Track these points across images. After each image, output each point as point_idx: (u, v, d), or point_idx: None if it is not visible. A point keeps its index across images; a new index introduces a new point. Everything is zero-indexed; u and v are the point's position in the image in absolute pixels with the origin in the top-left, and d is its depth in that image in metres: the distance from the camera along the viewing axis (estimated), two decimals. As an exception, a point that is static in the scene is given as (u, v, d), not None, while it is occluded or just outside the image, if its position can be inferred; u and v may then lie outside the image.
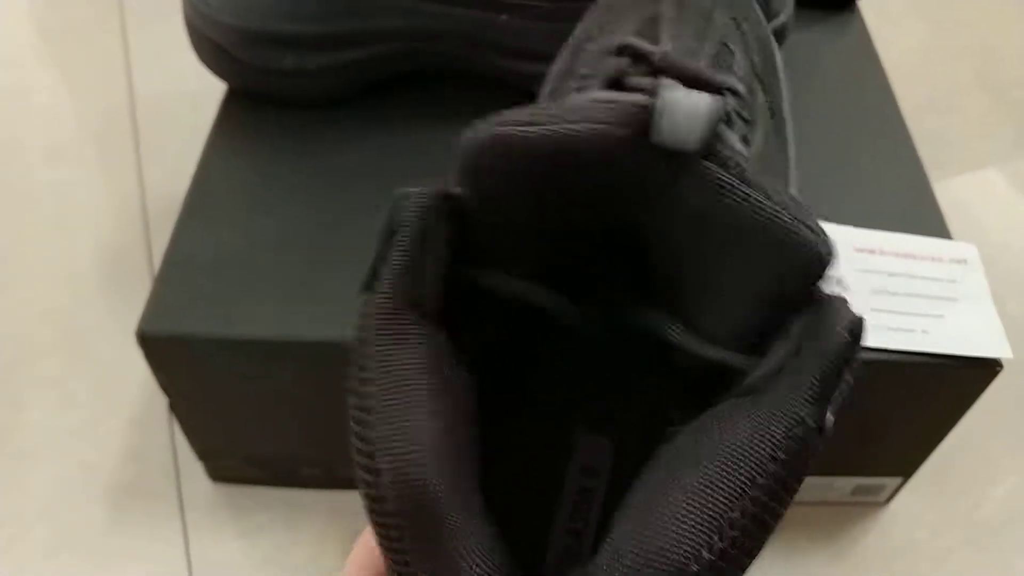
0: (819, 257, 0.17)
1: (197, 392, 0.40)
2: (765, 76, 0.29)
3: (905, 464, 0.44)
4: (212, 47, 0.44)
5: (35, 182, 0.64)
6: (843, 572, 0.45)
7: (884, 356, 0.35)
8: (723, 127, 0.23)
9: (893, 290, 0.36)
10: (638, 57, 0.25)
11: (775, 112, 0.29)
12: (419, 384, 0.17)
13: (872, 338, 0.34)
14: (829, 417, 0.16)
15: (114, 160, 0.66)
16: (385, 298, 0.17)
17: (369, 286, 0.17)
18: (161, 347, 0.36)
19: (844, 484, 0.45)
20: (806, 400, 0.16)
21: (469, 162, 0.18)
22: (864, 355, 0.21)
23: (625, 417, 0.23)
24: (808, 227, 0.17)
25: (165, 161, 0.65)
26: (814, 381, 0.16)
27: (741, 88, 0.26)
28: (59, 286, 0.57)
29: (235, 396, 0.40)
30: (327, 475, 0.46)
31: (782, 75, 0.31)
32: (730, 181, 0.17)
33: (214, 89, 0.51)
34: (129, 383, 0.52)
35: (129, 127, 0.69)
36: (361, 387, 0.17)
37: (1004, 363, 0.36)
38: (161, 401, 0.51)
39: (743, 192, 0.17)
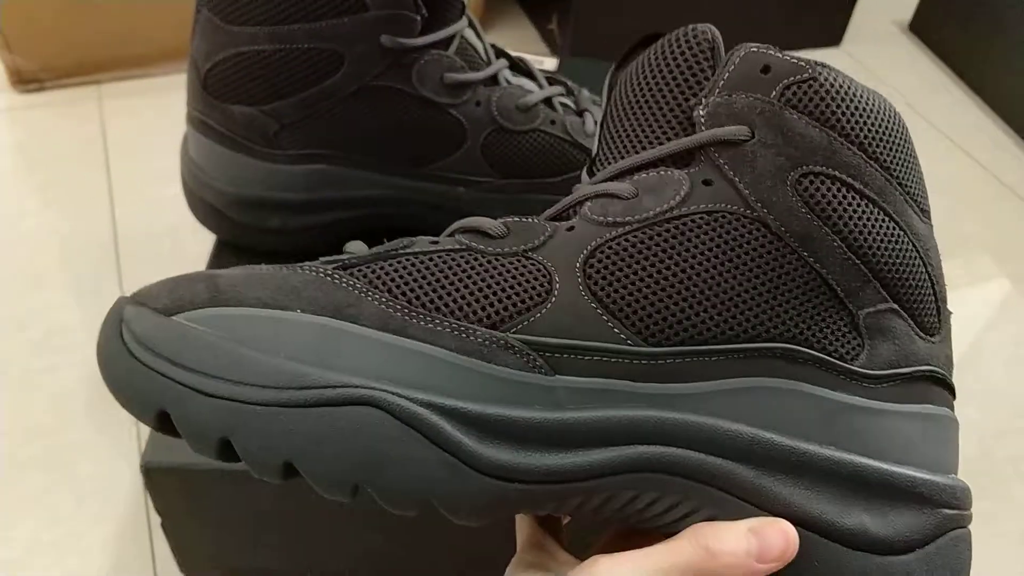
0: None
1: (189, 513, 0.45)
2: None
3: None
4: (205, 206, 0.51)
5: (20, 306, 0.69)
6: None
7: None
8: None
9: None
10: None
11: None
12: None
13: None
14: None
15: (98, 285, 0.71)
16: None
17: None
18: (162, 477, 0.41)
19: None
20: None
21: None
22: None
23: None
24: None
25: (145, 287, 0.71)
26: None
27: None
28: (43, 406, 0.62)
29: (223, 516, 0.45)
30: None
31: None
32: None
33: (193, 221, 0.57)
34: (110, 498, 0.57)
35: (112, 256, 0.74)
36: None
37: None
38: (141, 515, 0.55)
39: None
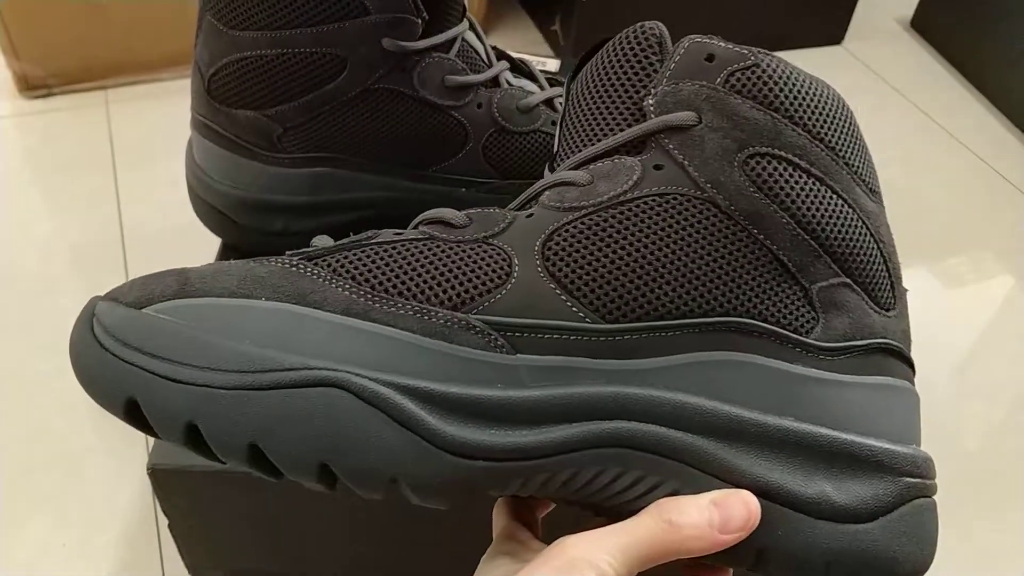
0: None
1: (195, 515, 0.45)
2: None
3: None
4: (210, 209, 0.52)
5: (29, 309, 0.70)
6: None
7: None
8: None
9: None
10: None
11: None
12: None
13: None
14: None
15: (106, 287, 0.72)
16: None
17: None
18: (168, 478, 0.42)
19: None
20: None
21: None
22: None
23: None
24: None
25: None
26: None
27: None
28: (52, 408, 0.63)
29: (226, 518, 0.45)
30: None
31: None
32: None
33: (200, 224, 0.58)
34: (119, 500, 0.57)
35: (120, 259, 0.75)
36: None
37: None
38: (150, 517, 0.56)
39: None
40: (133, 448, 0.60)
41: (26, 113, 0.92)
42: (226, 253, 0.54)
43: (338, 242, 0.28)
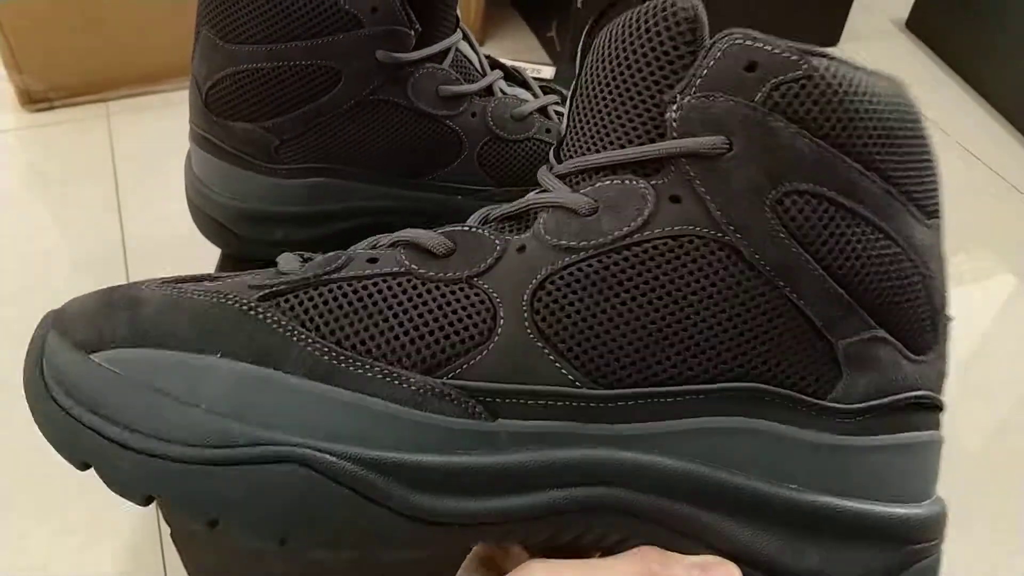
0: None
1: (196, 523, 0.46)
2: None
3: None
4: (210, 221, 0.52)
5: (32, 321, 0.70)
6: None
7: None
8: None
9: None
10: None
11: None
12: None
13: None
14: None
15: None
16: None
17: None
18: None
19: None
20: None
21: None
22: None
23: None
24: None
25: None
26: None
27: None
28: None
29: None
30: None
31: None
32: None
33: (201, 235, 0.59)
34: (122, 508, 0.58)
35: (122, 270, 0.76)
36: None
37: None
38: (153, 526, 0.56)
39: None
40: (137, 457, 0.61)
41: (28, 126, 0.93)
42: (226, 263, 0.55)
43: (304, 268, 0.25)
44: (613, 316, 0.23)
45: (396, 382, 0.23)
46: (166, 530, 0.47)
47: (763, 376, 0.24)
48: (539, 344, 0.23)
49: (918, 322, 0.25)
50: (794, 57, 0.23)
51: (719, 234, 0.23)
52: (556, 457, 0.23)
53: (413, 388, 0.23)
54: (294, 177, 0.48)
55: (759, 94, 0.23)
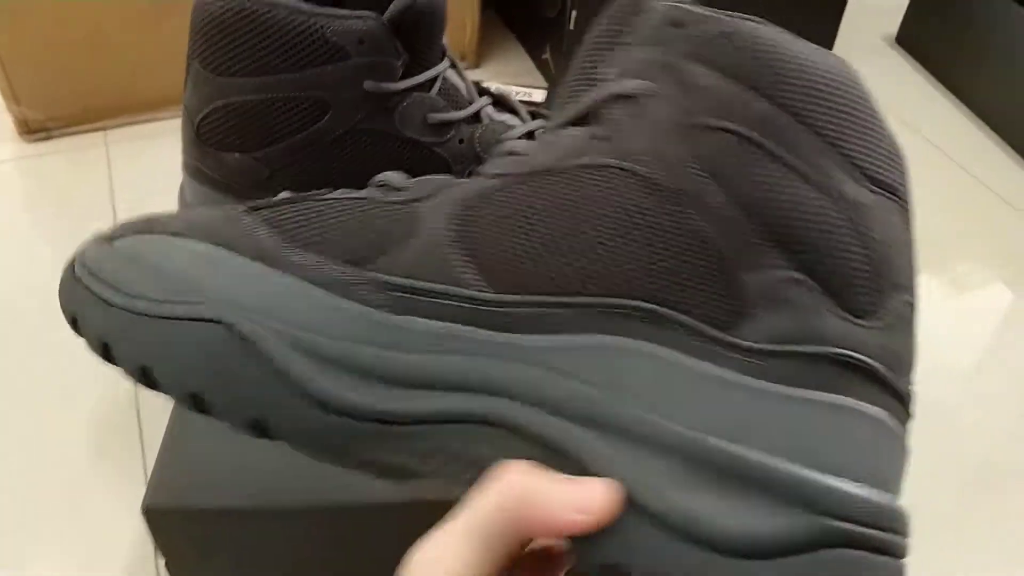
0: None
1: (190, 554, 0.46)
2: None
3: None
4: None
5: (31, 352, 0.71)
6: None
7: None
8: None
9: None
10: None
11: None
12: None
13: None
14: None
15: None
16: None
17: None
18: (163, 519, 0.43)
19: None
20: None
21: None
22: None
23: None
24: None
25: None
26: None
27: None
28: (53, 448, 0.63)
29: (223, 556, 0.46)
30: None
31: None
32: None
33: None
34: (119, 538, 0.58)
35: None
36: None
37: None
38: (149, 556, 0.57)
39: None
40: (133, 486, 0.61)
41: (26, 156, 0.93)
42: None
43: (295, 195, 0.29)
44: (522, 224, 0.26)
45: (322, 268, 0.26)
46: (163, 560, 0.48)
47: (658, 297, 0.24)
48: (450, 251, 0.26)
49: (849, 278, 0.24)
50: (721, 17, 0.25)
51: (633, 164, 0.25)
52: (453, 361, 0.25)
53: (336, 274, 0.26)
54: (285, 206, 0.49)
55: (682, 45, 0.25)
